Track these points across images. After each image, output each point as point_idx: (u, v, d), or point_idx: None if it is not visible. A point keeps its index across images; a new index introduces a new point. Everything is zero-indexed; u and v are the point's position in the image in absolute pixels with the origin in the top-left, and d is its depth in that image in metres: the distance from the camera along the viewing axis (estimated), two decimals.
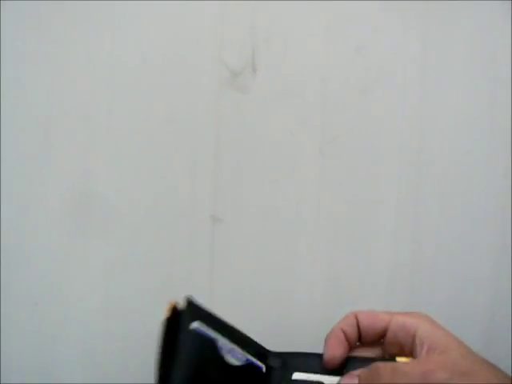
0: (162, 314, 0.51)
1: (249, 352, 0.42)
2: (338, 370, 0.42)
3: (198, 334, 0.41)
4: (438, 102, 0.59)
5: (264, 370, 0.43)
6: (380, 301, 0.59)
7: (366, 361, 0.41)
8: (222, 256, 0.55)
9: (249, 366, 0.42)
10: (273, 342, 0.57)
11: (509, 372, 0.60)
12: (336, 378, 0.42)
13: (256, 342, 0.45)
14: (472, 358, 0.40)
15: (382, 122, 0.58)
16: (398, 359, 0.42)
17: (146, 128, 0.53)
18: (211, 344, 0.41)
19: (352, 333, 0.44)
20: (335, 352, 0.43)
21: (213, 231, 0.55)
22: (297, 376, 0.43)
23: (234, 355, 0.41)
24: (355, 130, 0.57)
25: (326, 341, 0.44)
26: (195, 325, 0.41)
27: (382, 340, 0.44)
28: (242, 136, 0.55)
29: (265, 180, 0.55)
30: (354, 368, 0.41)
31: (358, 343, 0.45)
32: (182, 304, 0.42)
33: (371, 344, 0.44)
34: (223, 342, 0.41)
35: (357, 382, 0.40)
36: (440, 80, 0.59)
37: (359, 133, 0.57)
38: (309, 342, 0.57)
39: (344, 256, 0.58)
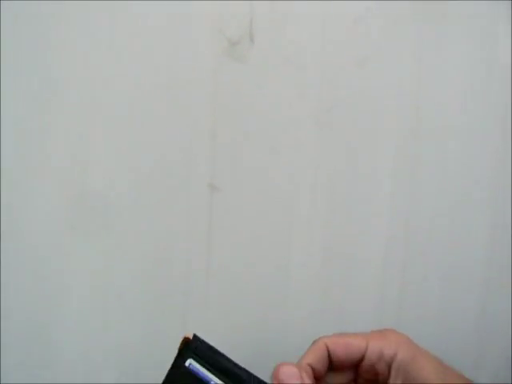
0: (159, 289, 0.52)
1: None
2: None
3: (190, 372, 0.40)
4: (434, 79, 0.59)
5: None
6: (375, 272, 0.60)
7: None
8: (220, 225, 0.55)
9: None
10: (268, 312, 0.58)
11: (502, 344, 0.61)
12: None
13: None
14: (446, 379, 0.38)
15: (380, 93, 0.58)
16: None
17: (143, 96, 0.53)
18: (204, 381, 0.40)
19: (321, 368, 0.40)
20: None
21: (210, 200, 0.55)
22: None
23: None
24: (353, 101, 0.57)
25: None
26: (189, 361, 0.40)
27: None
28: (239, 105, 0.55)
29: (262, 149, 0.55)
30: None
31: None
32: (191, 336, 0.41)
33: (342, 370, 0.41)
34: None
35: None
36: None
37: (357, 103, 0.57)
38: (305, 313, 0.58)
39: (341, 225, 0.58)
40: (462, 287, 0.62)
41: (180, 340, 0.41)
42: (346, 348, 0.39)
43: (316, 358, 0.39)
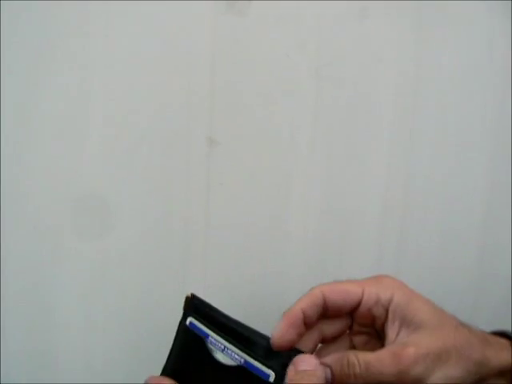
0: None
1: (250, 354, 0.39)
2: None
3: (189, 330, 0.41)
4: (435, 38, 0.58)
5: (272, 378, 0.37)
6: (374, 225, 0.60)
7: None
8: (218, 178, 0.55)
9: (246, 368, 0.38)
10: (267, 266, 0.58)
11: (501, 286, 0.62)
12: None
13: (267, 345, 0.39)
14: (447, 334, 0.38)
15: (380, 46, 0.57)
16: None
17: (144, 52, 0.52)
18: (200, 340, 0.40)
19: (314, 314, 0.40)
20: (284, 336, 0.39)
21: (209, 153, 0.54)
22: None
23: (229, 354, 0.39)
24: (352, 54, 0.56)
25: (281, 319, 0.39)
26: (189, 319, 0.41)
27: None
28: (238, 59, 0.54)
29: (261, 102, 0.55)
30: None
31: None
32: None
33: (338, 317, 0.41)
34: (216, 340, 0.40)
35: (329, 374, 0.37)
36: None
37: (356, 57, 0.57)
38: (303, 266, 0.59)
39: (340, 177, 0.58)
40: (460, 234, 0.62)
41: (181, 299, 0.42)
42: (342, 294, 0.40)
43: (310, 303, 0.39)
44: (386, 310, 0.39)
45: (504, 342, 0.40)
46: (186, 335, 0.41)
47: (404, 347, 0.37)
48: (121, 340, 0.55)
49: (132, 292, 0.55)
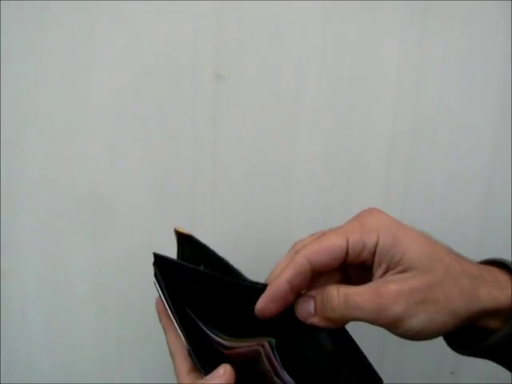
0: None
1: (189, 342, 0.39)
2: None
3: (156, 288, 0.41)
4: None
5: None
6: (380, 167, 0.59)
7: None
8: (225, 115, 0.54)
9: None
10: (272, 211, 0.58)
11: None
12: None
13: None
14: (435, 276, 0.36)
15: None
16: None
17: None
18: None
19: (301, 281, 0.38)
20: (266, 309, 0.38)
21: (215, 89, 0.53)
22: None
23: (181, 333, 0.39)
24: None
25: (266, 290, 0.38)
26: (154, 280, 0.40)
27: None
28: None
29: (268, 36, 0.53)
30: None
31: None
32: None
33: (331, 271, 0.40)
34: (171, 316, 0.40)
35: (312, 306, 0.37)
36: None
37: None
38: (309, 211, 0.58)
39: (346, 119, 0.57)
40: (465, 177, 0.61)
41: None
42: (327, 252, 0.38)
43: (295, 273, 0.38)
44: (373, 255, 0.38)
45: (504, 278, 0.38)
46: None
47: (386, 283, 0.36)
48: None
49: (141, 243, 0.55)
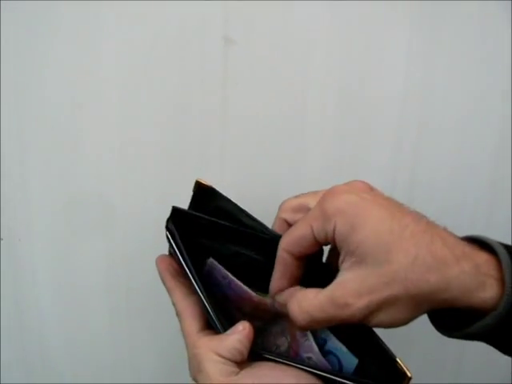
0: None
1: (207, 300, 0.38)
2: None
3: (169, 242, 0.40)
4: None
5: None
6: (391, 121, 0.59)
7: None
8: (234, 78, 0.54)
9: None
10: (282, 165, 0.58)
11: None
12: None
13: None
14: (396, 269, 0.34)
15: None
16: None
17: None
18: (178, 260, 0.39)
19: (294, 272, 0.39)
20: (282, 285, 0.39)
21: (225, 52, 0.53)
22: None
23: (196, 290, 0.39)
24: None
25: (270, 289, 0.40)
26: (167, 234, 0.40)
27: None
28: None
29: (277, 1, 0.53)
30: None
31: None
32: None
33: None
34: (186, 271, 0.39)
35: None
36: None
37: None
38: (319, 164, 0.58)
39: (357, 74, 0.57)
40: (476, 141, 0.61)
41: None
42: (299, 243, 0.38)
43: (283, 270, 0.39)
44: (334, 241, 0.37)
45: (483, 261, 0.35)
46: (169, 243, 0.41)
47: (342, 290, 0.35)
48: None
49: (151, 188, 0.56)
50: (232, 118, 0.55)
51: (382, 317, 0.35)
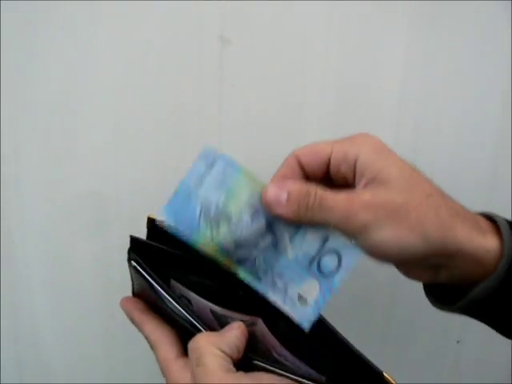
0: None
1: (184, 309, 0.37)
2: None
3: (136, 269, 0.39)
4: None
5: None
6: (390, 110, 0.59)
7: None
8: (231, 78, 0.54)
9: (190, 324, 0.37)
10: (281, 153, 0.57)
11: None
12: None
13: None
14: (412, 196, 0.36)
15: None
16: None
17: None
18: (148, 283, 0.38)
19: (294, 176, 0.40)
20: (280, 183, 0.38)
21: (221, 53, 0.53)
22: None
23: (174, 306, 0.37)
24: None
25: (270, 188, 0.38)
26: (133, 263, 0.39)
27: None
28: None
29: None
30: None
31: None
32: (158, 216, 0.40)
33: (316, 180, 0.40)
34: (159, 290, 0.38)
35: (285, 196, 0.37)
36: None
37: None
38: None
39: (353, 73, 0.56)
40: (474, 141, 0.60)
41: None
42: (312, 153, 0.39)
43: (288, 168, 0.40)
44: (354, 167, 0.38)
45: (485, 226, 0.38)
46: (136, 273, 0.40)
47: (360, 194, 0.37)
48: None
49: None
50: (229, 119, 0.55)
51: (382, 234, 0.35)
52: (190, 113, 0.54)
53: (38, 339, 0.59)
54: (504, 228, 0.37)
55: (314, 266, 0.38)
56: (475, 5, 0.55)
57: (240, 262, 0.38)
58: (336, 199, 0.36)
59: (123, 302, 0.42)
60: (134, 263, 0.39)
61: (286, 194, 0.37)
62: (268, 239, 0.38)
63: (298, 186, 0.37)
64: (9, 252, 0.55)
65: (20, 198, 0.54)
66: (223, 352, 0.35)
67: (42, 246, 0.56)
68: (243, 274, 0.38)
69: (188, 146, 0.55)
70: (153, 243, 0.41)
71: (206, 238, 0.37)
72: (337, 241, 0.38)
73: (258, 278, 0.38)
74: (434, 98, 0.59)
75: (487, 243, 0.37)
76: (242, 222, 0.38)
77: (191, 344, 0.36)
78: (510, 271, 0.36)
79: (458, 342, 0.68)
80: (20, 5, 0.47)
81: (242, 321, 0.38)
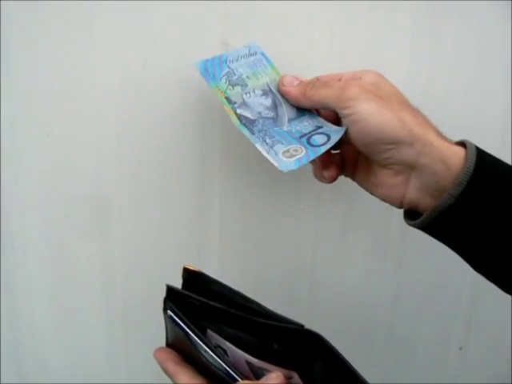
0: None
1: (221, 358, 0.38)
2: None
3: (172, 319, 0.40)
4: None
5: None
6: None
7: None
8: None
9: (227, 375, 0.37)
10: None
11: None
12: None
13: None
14: (397, 97, 0.45)
15: None
16: None
17: None
18: (184, 332, 0.39)
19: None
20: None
21: None
22: None
23: (210, 356, 0.38)
24: None
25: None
26: (169, 313, 0.40)
27: None
28: None
29: (275, 5, 0.52)
30: None
31: None
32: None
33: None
34: (196, 340, 0.38)
35: (296, 82, 0.48)
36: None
37: None
38: None
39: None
40: (476, 140, 0.60)
41: None
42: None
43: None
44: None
45: (458, 144, 0.45)
46: (171, 323, 0.41)
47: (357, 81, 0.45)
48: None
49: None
50: (231, 123, 0.55)
51: (366, 106, 0.42)
52: (192, 115, 0.54)
53: (38, 339, 0.59)
54: (469, 144, 0.43)
55: (304, 139, 0.45)
56: (475, 5, 0.56)
57: (241, 117, 0.46)
58: (335, 81, 0.46)
59: (157, 353, 0.43)
60: (170, 312, 0.40)
61: (298, 81, 0.48)
62: (270, 114, 0.47)
63: (309, 79, 0.48)
64: (9, 252, 0.55)
65: (20, 198, 0.53)
66: None
67: (42, 246, 0.56)
68: (240, 126, 0.46)
69: (189, 148, 0.55)
70: (190, 294, 0.41)
71: (221, 87, 0.46)
72: (328, 127, 0.46)
73: (252, 131, 0.45)
74: (437, 96, 0.59)
75: (454, 148, 0.43)
76: (253, 92, 0.47)
77: None
78: (472, 181, 0.40)
79: (460, 348, 0.68)
80: (20, 5, 0.47)
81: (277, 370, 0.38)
